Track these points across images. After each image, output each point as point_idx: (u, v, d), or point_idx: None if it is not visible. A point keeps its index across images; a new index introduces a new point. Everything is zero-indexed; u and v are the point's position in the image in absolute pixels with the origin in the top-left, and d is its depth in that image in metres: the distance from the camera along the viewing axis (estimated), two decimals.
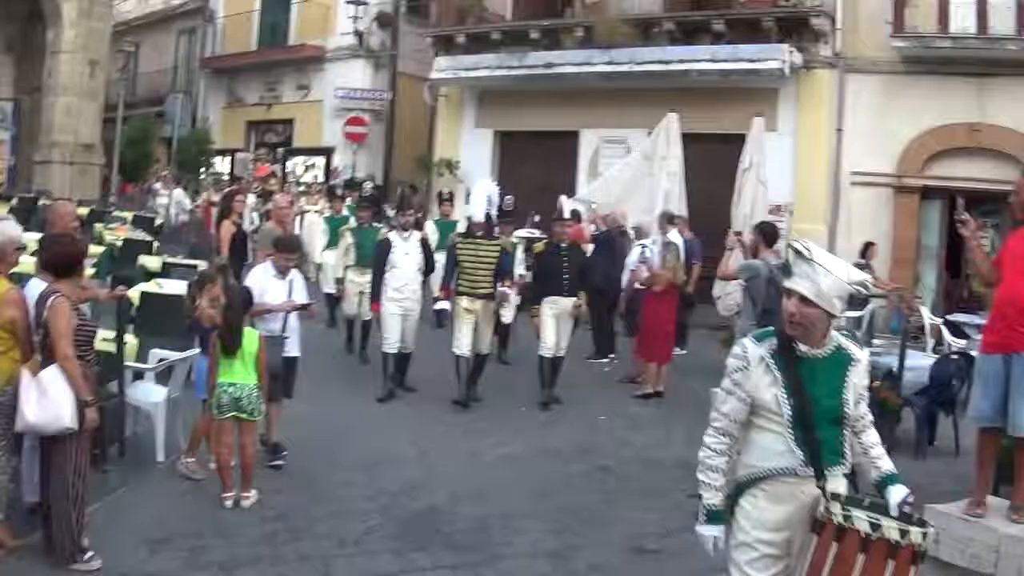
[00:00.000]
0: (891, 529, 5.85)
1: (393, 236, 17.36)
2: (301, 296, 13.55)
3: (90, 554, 9.15)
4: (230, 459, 11.41)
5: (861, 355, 6.38)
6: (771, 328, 6.41)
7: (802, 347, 6.18)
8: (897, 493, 6.21)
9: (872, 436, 6.47)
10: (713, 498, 6.42)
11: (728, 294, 22.51)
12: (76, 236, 10.78)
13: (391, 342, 17.11)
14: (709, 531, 6.45)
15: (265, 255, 17.42)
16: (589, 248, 20.16)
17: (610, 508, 11.96)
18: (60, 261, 9.41)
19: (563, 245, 17.57)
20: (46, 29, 43.70)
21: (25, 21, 46.88)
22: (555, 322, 17.18)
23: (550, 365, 17.29)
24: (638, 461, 13.72)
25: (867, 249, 24.75)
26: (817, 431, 6.07)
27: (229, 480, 11.36)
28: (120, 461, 12.35)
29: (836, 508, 5.87)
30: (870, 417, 6.50)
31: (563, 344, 17.39)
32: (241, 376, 11.38)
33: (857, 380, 6.29)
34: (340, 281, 20.21)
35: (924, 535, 5.91)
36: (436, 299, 17.88)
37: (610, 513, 11.79)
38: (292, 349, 13.43)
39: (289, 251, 13.65)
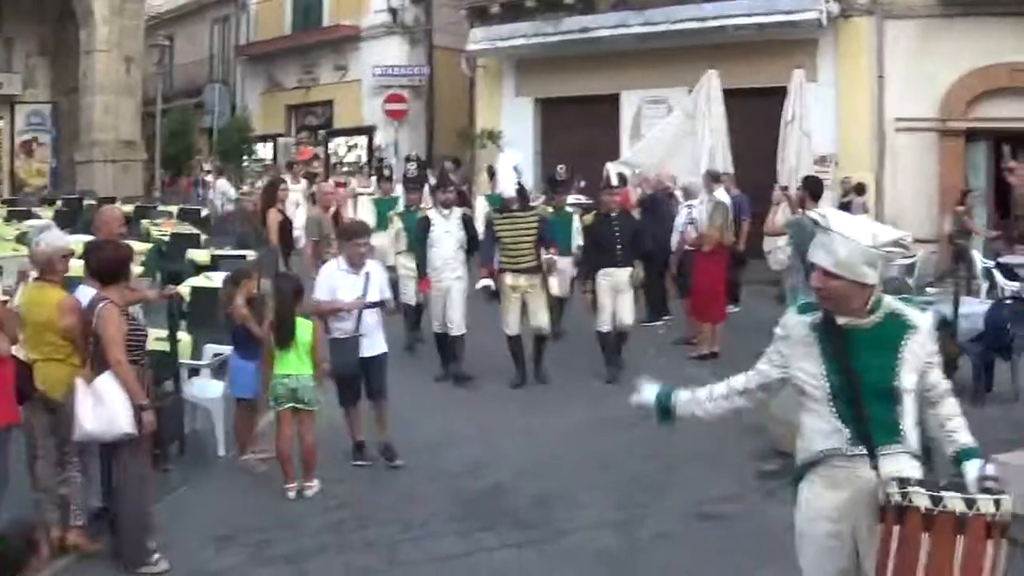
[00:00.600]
0: (955, 500, 5.29)
1: (433, 214, 16.87)
2: (379, 290, 12.61)
3: (157, 556, 9.20)
4: (290, 450, 11.45)
5: (922, 321, 5.83)
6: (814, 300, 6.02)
7: (841, 319, 5.76)
8: (975, 468, 5.60)
9: (948, 407, 5.88)
10: (671, 391, 6.78)
11: (779, 248, 22.38)
12: (120, 241, 10.73)
13: (436, 322, 16.76)
14: (645, 393, 6.82)
15: (312, 242, 17.56)
16: (636, 213, 19.94)
17: (672, 475, 11.94)
18: (104, 268, 9.43)
19: (613, 214, 16.88)
20: (79, 29, 43.88)
21: (57, 22, 47.27)
22: (611, 295, 16.56)
23: (613, 340, 16.82)
24: (697, 425, 13.58)
25: (852, 190, 24.38)
26: (865, 407, 5.64)
27: (291, 471, 11.42)
28: (181, 459, 12.42)
29: (892, 488, 5.38)
30: (945, 385, 5.92)
31: (626, 318, 16.76)
32: (296, 367, 11.38)
33: (918, 349, 5.74)
34: (392, 269, 18.23)
35: (997, 503, 5.30)
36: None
37: (672, 480, 11.77)
38: (374, 347, 12.49)
39: (356, 236, 12.60)
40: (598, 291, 16.63)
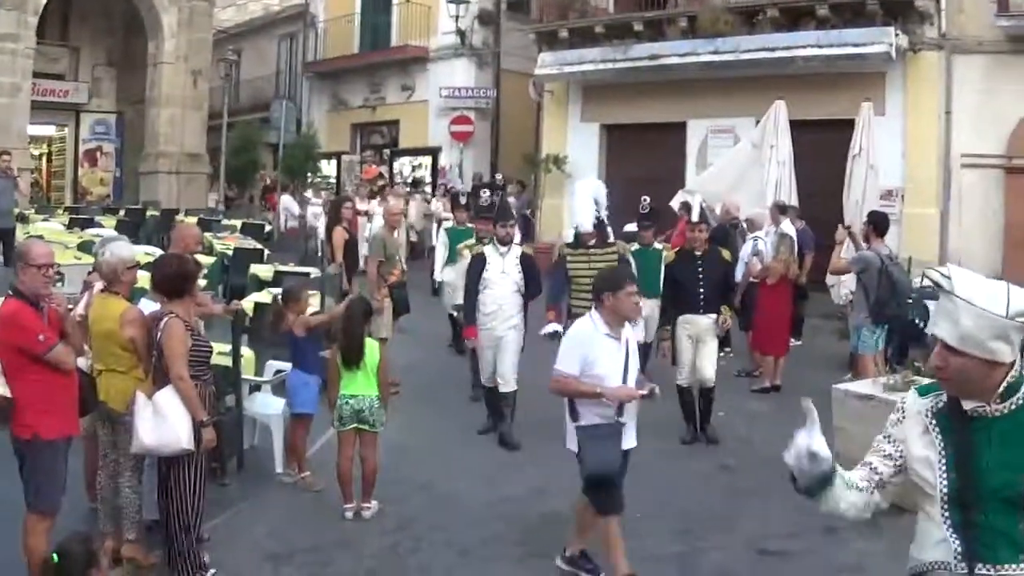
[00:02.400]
0: None
1: (489, 251, 14.92)
2: (636, 362, 9.89)
3: (212, 571, 9.22)
4: (351, 471, 11.48)
5: None
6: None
7: (968, 403, 4.80)
8: None
9: None
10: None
11: (842, 282, 22.31)
12: (184, 256, 10.74)
13: (486, 373, 14.94)
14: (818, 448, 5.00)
15: (376, 261, 17.43)
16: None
17: (733, 508, 11.90)
18: (168, 283, 9.44)
19: (697, 252, 15.09)
20: (147, 41, 44.23)
21: (125, 33, 47.58)
22: (692, 345, 14.89)
23: (699, 401, 15.07)
24: (759, 459, 13.39)
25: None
26: (984, 514, 4.66)
27: (350, 491, 11.46)
28: (239, 474, 12.50)
29: None
30: None
31: (707, 371, 14.90)
32: (363, 388, 11.40)
33: None
34: (459, 308, 16.93)
35: None
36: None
37: (733, 513, 11.71)
38: (631, 438, 9.88)
39: (623, 283, 9.64)
40: (677, 340, 14.99)
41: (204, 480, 9.39)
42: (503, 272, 14.67)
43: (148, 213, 36.36)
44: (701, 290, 14.91)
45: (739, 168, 25.19)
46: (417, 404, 15.21)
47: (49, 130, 48.03)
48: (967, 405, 4.79)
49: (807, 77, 28.80)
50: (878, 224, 16.32)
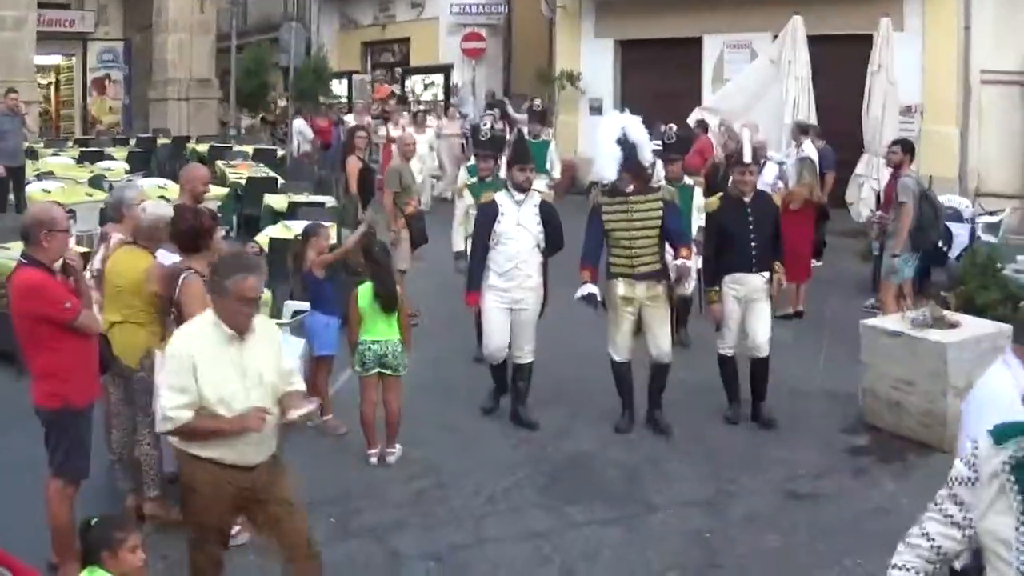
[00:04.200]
0: None
1: (502, 198, 12.46)
2: None
3: (237, 527, 9.08)
4: (374, 415, 11.40)
5: None
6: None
7: None
8: None
9: None
10: None
11: (862, 199, 22.14)
12: (200, 209, 10.55)
13: (492, 345, 12.62)
14: None
15: (391, 193, 17.18)
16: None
17: (760, 448, 11.78)
18: (185, 238, 9.31)
19: (746, 198, 12.59)
20: None
21: None
22: (741, 308, 12.59)
23: (755, 368, 12.74)
24: (784, 392, 13.14)
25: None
26: None
27: (374, 436, 11.39)
28: None
29: None
30: None
31: (761, 337, 12.62)
32: (385, 332, 11.31)
33: None
34: (461, 256, 15.05)
35: None
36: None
37: (761, 454, 11.61)
38: None
39: None
40: (723, 301, 12.61)
41: None
42: (519, 224, 12.30)
43: (159, 142, 36.21)
44: (753, 243, 12.46)
45: (757, 84, 25.01)
46: (437, 338, 15.04)
47: (56, 59, 47.63)
48: None
49: None
50: (911, 149, 16.24)
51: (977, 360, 10.81)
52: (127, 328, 9.49)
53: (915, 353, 11.84)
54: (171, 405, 6.94)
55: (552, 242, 12.46)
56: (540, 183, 15.95)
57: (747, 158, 13.01)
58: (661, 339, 12.19)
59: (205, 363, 7.00)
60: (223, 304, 7.08)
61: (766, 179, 18.40)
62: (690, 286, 14.21)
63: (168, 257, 9.52)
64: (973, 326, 12.32)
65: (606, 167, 12.18)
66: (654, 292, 12.11)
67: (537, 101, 19.53)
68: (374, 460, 11.32)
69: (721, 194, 13.20)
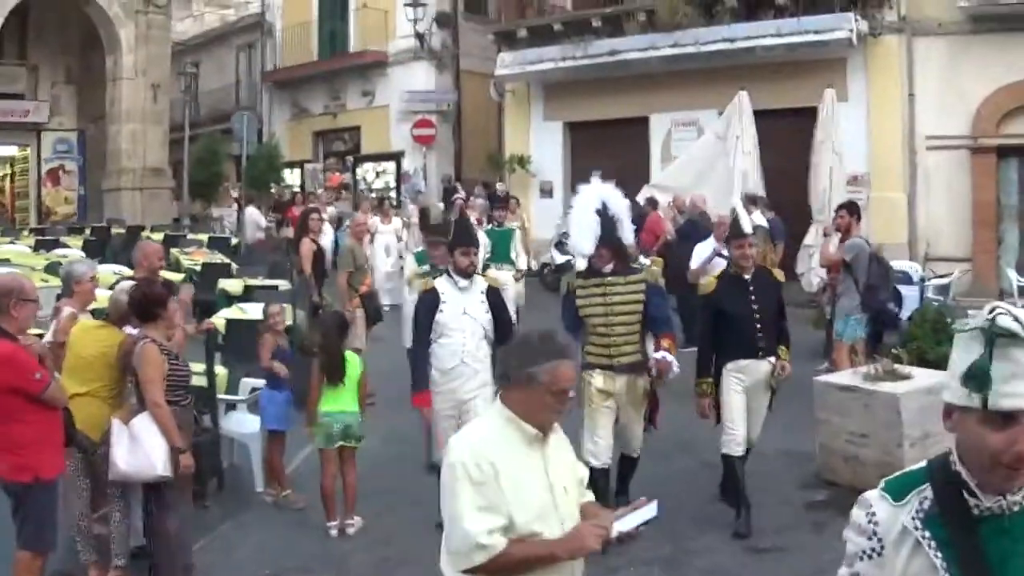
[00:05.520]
0: None
1: (443, 284, 11.11)
2: None
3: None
4: (334, 487, 11.37)
5: None
6: (920, 467, 3.69)
7: (985, 500, 3.43)
8: None
9: None
10: None
11: (811, 269, 22.32)
12: (154, 279, 10.63)
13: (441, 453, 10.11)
14: None
15: (346, 272, 17.32)
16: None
17: (719, 506, 11.74)
18: (140, 308, 9.35)
19: (746, 276, 11.22)
20: (105, 57, 44.03)
21: (83, 50, 47.35)
22: (744, 400, 11.20)
23: (743, 469, 11.25)
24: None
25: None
26: None
27: (333, 508, 11.37)
28: (220, 494, 12.41)
29: None
30: None
31: (751, 435, 11.41)
32: (349, 404, 11.32)
33: None
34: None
35: None
36: None
37: (720, 511, 11.57)
38: None
39: None
40: (725, 393, 11.20)
41: (186, 505, 9.31)
42: (465, 313, 10.95)
43: (114, 231, 36.25)
44: (758, 326, 11.10)
45: (705, 160, 25.38)
46: (394, 413, 15.09)
47: (12, 150, 47.71)
48: (984, 502, 3.43)
49: (769, 66, 28.89)
50: (858, 212, 16.41)
51: (931, 409, 10.57)
52: (91, 401, 9.47)
53: (869, 406, 11.99)
54: (481, 529, 4.98)
55: (503, 333, 10.90)
56: (504, 274, 16.05)
57: (746, 228, 11.57)
58: (634, 437, 11.21)
59: (510, 473, 5.14)
60: (528, 397, 5.25)
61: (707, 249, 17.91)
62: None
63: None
64: (925, 377, 12.45)
65: (583, 240, 11.02)
66: (634, 388, 10.89)
67: (500, 185, 19.11)
68: (334, 532, 11.29)
69: (719, 273, 12.03)
